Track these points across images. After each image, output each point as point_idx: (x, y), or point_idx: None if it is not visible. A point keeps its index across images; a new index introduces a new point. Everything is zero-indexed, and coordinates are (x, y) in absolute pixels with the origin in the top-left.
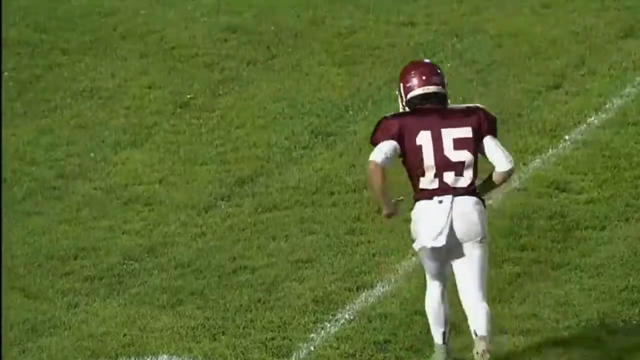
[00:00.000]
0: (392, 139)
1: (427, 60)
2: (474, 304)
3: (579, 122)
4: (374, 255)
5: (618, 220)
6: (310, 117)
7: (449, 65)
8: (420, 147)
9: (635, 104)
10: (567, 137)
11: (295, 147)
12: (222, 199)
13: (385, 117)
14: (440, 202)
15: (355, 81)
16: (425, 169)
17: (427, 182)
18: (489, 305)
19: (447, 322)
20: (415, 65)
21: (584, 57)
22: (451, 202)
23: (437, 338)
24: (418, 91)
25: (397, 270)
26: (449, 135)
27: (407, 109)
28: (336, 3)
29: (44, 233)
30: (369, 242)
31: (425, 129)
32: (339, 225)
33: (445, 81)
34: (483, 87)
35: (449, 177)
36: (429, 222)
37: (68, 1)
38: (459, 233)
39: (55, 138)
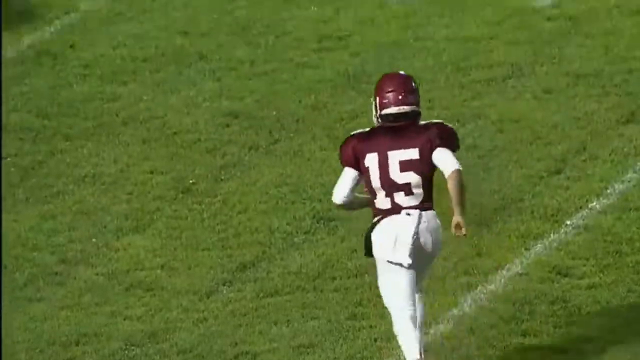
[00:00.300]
0: (350, 165)
1: (403, 73)
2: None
3: (580, 207)
4: (375, 340)
5: (620, 306)
6: (313, 202)
7: None
8: (368, 169)
9: (637, 189)
10: (568, 222)
11: (297, 232)
12: (224, 284)
13: (349, 137)
14: (409, 214)
15: None
16: (375, 190)
17: (381, 202)
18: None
19: (420, 342)
20: (394, 81)
21: (585, 143)
22: (419, 217)
23: (413, 354)
24: (393, 109)
25: (399, 356)
26: (395, 157)
27: (379, 121)
28: (337, 88)
29: (45, 319)
30: (370, 327)
31: (373, 151)
32: (340, 311)
33: (419, 97)
34: (485, 172)
35: (399, 197)
36: (402, 237)
37: (70, 87)
38: (426, 247)
39: (57, 224)
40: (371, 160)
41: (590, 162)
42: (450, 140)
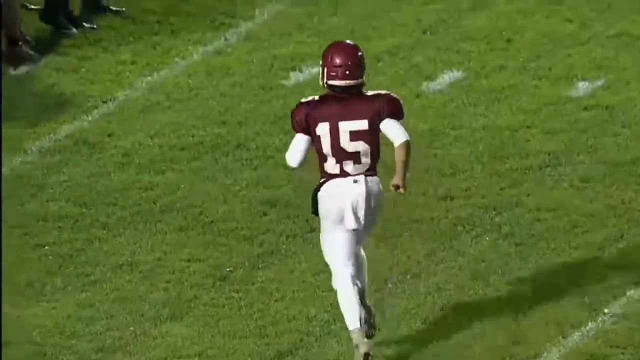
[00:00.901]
0: (302, 131)
1: (351, 45)
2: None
3: (618, 296)
4: None
5: None
6: None
7: (487, 238)
8: (319, 137)
9: None
10: (606, 311)
11: (334, 321)
12: None
13: (299, 104)
14: (356, 181)
15: (394, 254)
16: (326, 155)
17: (330, 167)
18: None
19: (362, 305)
20: (342, 55)
21: (622, 231)
22: (365, 182)
23: (353, 323)
24: (340, 83)
25: None
26: (345, 127)
27: (326, 86)
28: None
29: None
30: None
31: (325, 120)
32: None
33: (365, 67)
34: (522, 260)
35: (347, 165)
36: (346, 202)
37: (108, 176)
38: (369, 211)
39: (95, 312)
40: (322, 129)
41: (628, 250)
42: (397, 111)
